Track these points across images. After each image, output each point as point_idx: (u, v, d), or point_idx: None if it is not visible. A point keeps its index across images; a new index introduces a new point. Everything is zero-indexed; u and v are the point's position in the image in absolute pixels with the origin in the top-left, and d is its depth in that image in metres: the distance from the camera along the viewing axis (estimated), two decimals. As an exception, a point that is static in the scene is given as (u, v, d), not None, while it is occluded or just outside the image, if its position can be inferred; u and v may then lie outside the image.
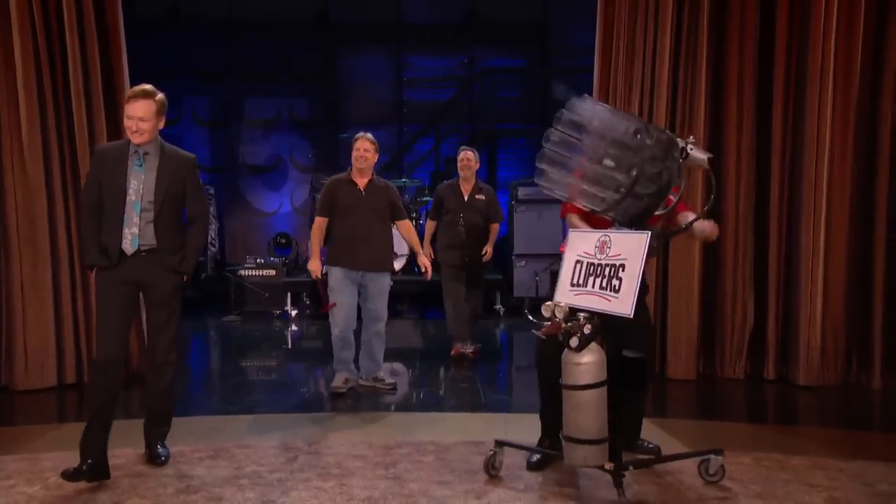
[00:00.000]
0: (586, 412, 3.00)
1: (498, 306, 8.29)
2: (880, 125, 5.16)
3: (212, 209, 10.33)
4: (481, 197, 6.14)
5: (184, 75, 10.81)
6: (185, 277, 3.67)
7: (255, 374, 5.99)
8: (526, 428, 4.22)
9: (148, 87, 3.53)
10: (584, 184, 3.06)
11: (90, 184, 3.61)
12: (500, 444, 3.51)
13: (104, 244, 3.50)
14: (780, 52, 5.18)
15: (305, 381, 5.69)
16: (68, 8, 4.98)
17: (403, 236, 5.29)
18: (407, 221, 5.25)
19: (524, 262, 8.29)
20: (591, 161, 3.00)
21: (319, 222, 5.08)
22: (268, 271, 8.39)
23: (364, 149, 5.03)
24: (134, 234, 3.49)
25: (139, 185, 3.49)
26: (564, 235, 8.46)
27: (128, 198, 3.48)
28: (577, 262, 3.17)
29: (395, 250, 8.31)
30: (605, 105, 3.19)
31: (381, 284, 5.04)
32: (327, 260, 5.07)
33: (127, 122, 3.47)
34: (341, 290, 4.96)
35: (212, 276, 9.85)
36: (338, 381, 5.05)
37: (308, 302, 8.79)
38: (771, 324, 5.28)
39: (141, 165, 3.51)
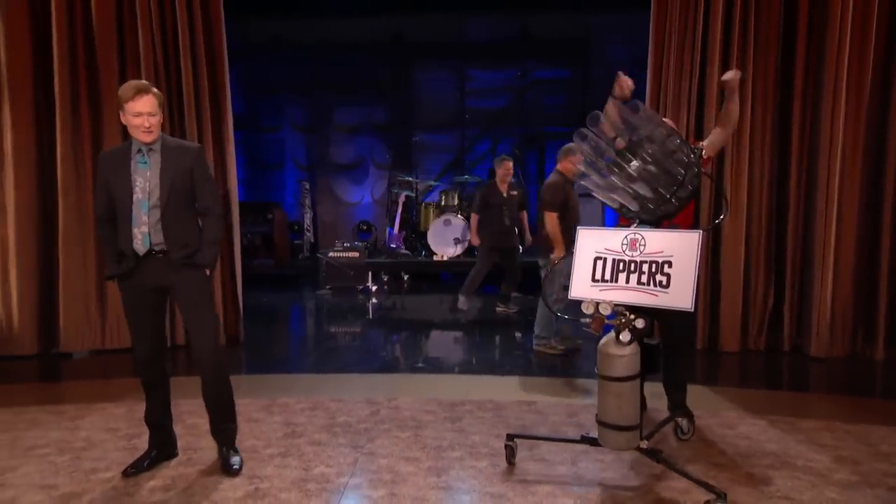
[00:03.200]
0: (626, 401, 2.78)
1: (544, 284, 8.24)
2: (888, 131, 4.93)
3: (307, 200, 10.54)
4: (514, 193, 6.74)
5: (285, 89, 11.01)
6: (207, 271, 3.03)
7: (343, 340, 6.11)
8: (572, 390, 4.24)
9: (144, 81, 2.93)
10: (619, 187, 2.89)
11: (98, 193, 2.96)
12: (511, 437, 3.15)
13: (122, 251, 2.91)
14: (799, 66, 4.99)
15: (384, 346, 5.79)
16: (183, 41, 5.13)
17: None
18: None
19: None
20: (629, 170, 2.84)
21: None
22: (352, 253, 8.52)
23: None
24: (144, 234, 2.88)
25: (145, 183, 2.88)
26: (606, 224, 8.29)
27: (134, 196, 2.87)
28: (598, 258, 2.89)
29: (458, 236, 8.41)
30: (654, 115, 2.95)
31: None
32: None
33: (136, 121, 2.83)
34: None
35: (307, 257, 10.09)
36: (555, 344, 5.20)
37: (386, 279, 8.92)
38: (787, 303, 5.14)
39: (146, 163, 2.90)
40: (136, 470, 3.05)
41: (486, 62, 11.06)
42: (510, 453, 3.09)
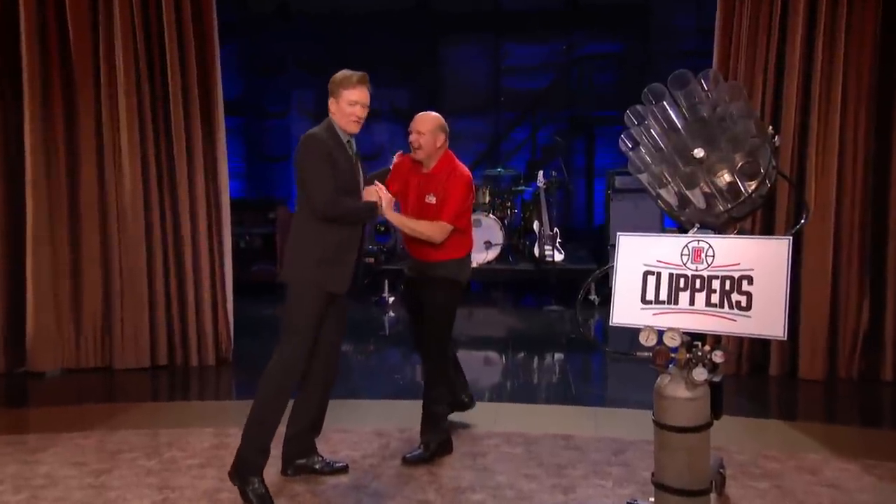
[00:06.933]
0: (696, 457, 2.54)
1: (593, 296, 8.09)
2: None
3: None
4: None
5: (292, 69, 11.10)
6: None
7: (353, 359, 6.05)
8: (618, 423, 4.14)
9: (362, 72, 3.24)
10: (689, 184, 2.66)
11: (330, 173, 3.14)
12: None
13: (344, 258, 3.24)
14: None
15: (400, 367, 5.75)
16: (168, 15, 5.15)
17: None
18: None
19: (621, 253, 8.07)
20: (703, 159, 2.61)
21: None
22: (367, 259, 8.49)
23: None
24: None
25: (362, 174, 3.35)
26: (665, 225, 7.99)
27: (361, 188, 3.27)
28: (649, 272, 2.64)
29: (490, 239, 8.35)
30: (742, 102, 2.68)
31: None
32: None
33: (350, 109, 3.17)
34: None
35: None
36: None
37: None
38: (888, 322, 4.93)
39: (354, 152, 3.28)
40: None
41: (526, 35, 11.00)
42: None
